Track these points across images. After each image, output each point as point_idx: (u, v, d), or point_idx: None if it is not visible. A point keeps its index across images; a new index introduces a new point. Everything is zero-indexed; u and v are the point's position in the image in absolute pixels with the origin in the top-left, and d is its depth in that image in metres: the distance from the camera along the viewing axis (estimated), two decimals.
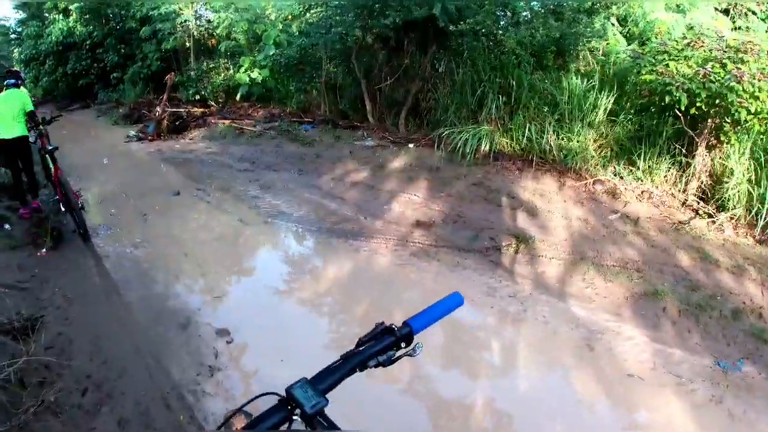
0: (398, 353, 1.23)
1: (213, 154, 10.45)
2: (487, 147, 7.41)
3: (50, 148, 6.15)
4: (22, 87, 6.84)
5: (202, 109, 14.15)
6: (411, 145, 8.45)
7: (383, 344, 1.22)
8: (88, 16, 19.28)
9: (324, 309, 4.69)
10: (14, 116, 6.11)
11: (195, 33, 15.85)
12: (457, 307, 1.37)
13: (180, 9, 15.61)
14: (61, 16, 20.71)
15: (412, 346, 1.25)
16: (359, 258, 5.50)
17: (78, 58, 20.17)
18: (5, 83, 6.40)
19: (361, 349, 1.21)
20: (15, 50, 25.77)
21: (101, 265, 5.53)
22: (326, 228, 6.32)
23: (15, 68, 7.20)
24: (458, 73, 8.82)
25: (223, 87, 14.42)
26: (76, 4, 19.07)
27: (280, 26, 14.11)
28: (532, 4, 9.36)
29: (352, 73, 10.83)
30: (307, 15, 12.88)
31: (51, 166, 6.25)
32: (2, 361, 3.22)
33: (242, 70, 13.43)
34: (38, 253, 5.58)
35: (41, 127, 6.43)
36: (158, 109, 13.27)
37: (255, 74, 13.19)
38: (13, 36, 25.33)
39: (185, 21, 15.71)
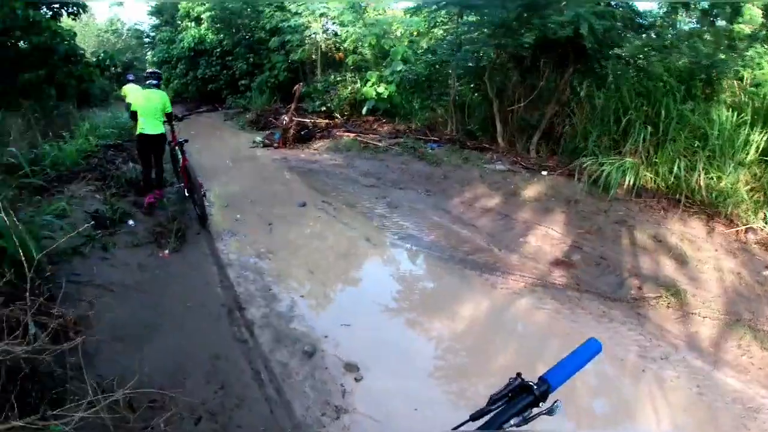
0: (534, 412, 1.12)
1: (338, 167, 10.61)
2: (631, 182, 7.06)
3: (180, 140, 7.12)
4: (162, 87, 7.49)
5: (326, 121, 14.57)
6: (545, 173, 8.24)
7: (519, 405, 1.11)
8: (218, 25, 20.60)
9: (460, 352, 4.42)
10: (157, 115, 6.87)
11: (323, 46, 16.40)
12: (595, 355, 1.25)
13: (309, 22, 16.17)
14: (193, 24, 22.23)
15: (549, 404, 1.14)
16: (496, 296, 5.25)
17: (208, 64, 21.61)
18: (147, 82, 7.05)
19: (492, 408, 1.11)
20: (148, 53, 27.77)
21: (224, 273, 5.48)
22: (459, 258, 6.07)
23: (156, 69, 8.30)
24: (599, 98, 8.51)
25: (349, 100, 14.75)
26: (207, 14, 20.22)
27: (407, 42, 14.25)
28: (684, 27, 8.89)
29: (481, 92, 10.77)
30: (436, 31, 12.93)
31: (179, 156, 7.16)
32: (112, 375, 3.09)
33: (369, 84, 13.67)
34: (160, 254, 5.65)
35: (174, 123, 7.31)
36: (285, 117, 13.75)
37: (381, 89, 13.39)
38: (147, 40, 27.41)
39: (313, 34, 16.23)
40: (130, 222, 6.33)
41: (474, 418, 1.09)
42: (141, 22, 36.39)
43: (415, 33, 14.91)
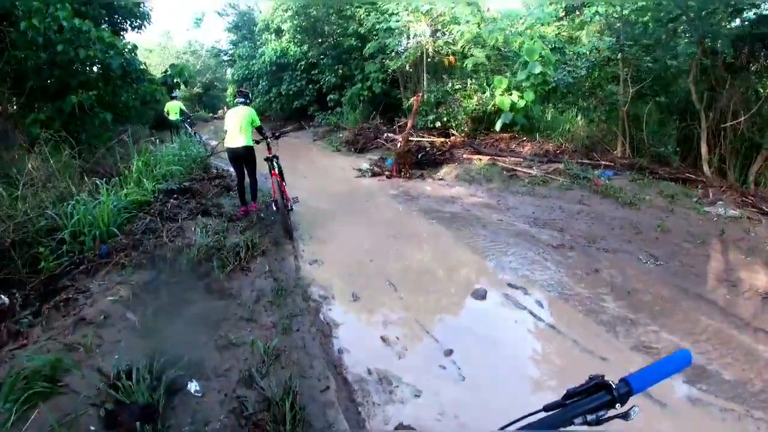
0: (609, 413, 1.03)
1: (488, 208, 8.08)
2: None
3: (271, 156, 7.37)
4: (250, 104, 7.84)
5: (442, 139, 12.48)
6: None
7: (596, 402, 1.02)
8: (301, 35, 19.06)
9: None
10: (241, 129, 7.18)
11: (429, 49, 14.19)
12: (684, 367, 1.13)
13: (409, 23, 14.00)
14: (273, 37, 20.74)
15: (627, 408, 1.03)
16: None
17: (292, 79, 20.29)
18: (236, 101, 7.64)
19: (567, 402, 1.04)
20: (228, 71, 26.67)
21: None
22: None
23: (243, 89, 8.73)
24: None
25: (477, 113, 12.57)
26: (289, 24, 18.67)
27: (538, 38, 11.86)
28: None
29: (665, 101, 8.43)
30: (588, 21, 10.54)
31: (270, 169, 7.31)
32: None
33: (498, 92, 11.40)
34: None
35: (269, 140, 7.54)
36: (398, 137, 11.72)
37: (515, 98, 11.10)
38: (225, 58, 26.31)
39: (416, 36, 14.11)
40: (193, 387, 3.31)
41: (547, 409, 1.05)
42: (218, 40, 36.07)
43: (541, 26, 12.52)
